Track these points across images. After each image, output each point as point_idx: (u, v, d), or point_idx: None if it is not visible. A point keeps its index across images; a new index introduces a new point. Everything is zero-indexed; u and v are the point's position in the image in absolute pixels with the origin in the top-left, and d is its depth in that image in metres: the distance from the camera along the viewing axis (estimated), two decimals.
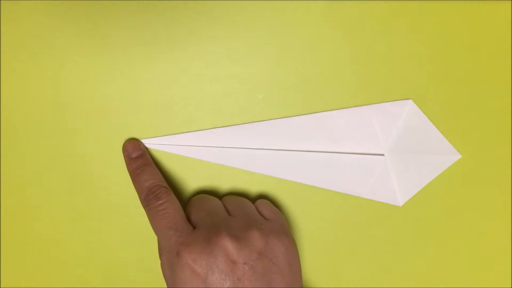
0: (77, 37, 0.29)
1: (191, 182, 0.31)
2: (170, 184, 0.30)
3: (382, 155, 0.31)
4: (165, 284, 0.26)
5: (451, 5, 0.30)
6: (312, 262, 0.32)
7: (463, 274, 0.32)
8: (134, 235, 0.31)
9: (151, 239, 0.31)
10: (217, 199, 0.28)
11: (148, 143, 0.30)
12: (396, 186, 0.31)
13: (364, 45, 0.30)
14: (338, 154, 0.31)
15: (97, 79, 0.30)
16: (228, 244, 0.24)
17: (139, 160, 0.29)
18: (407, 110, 0.30)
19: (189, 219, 0.27)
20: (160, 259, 0.28)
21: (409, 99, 0.30)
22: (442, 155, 0.31)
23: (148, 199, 0.27)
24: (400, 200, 0.31)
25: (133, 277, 0.31)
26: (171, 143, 0.30)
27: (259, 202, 0.29)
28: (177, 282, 0.24)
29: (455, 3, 0.30)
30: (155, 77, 0.30)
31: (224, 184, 0.31)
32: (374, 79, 0.30)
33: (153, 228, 0.27)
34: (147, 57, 0.29)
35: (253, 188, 0.31)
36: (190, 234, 0.25)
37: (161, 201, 0.27)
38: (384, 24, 0.30)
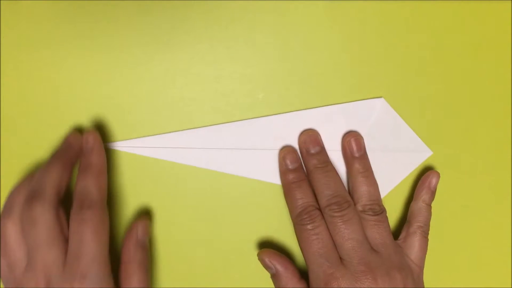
0: (77, 37, 0.29)
1: (191, 185, 0.31)
2: (168, 189, 0.31)
3: None
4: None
5: (451, 5, 0.30)
6: None
7: (463, 274, 0.32)
8: None
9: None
10: (360, 222, 0.28)
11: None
12: None
13: (364, 45, 0.30)
14: None
15: (97, 79, 0.30)
16: (373, 286, 0.26)
17: (296, 173, 0.29)
18: (378, 108, 0.30)
19: (334, 241, 0.27)
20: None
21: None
22: (414, 153, 0.31)
23: (301, 218, 0.28)
24: None
25: None
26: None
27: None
28: None
29: (455, 3, 0.30)
30: (155, 77, 0.30)
31: (217, 187, 0.31)
32: (374, 79, 0.30)
33: (302, 249, 0.28)
34: (147, 57, 0.29)
35: (246, 188, 0.31)
36: (339, 267, 0.27)
37: (315, 224, 0.28)
38: (384, 24, 0.30)
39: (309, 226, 0.27)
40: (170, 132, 0.30)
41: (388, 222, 0.29)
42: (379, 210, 0.28)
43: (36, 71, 0.29)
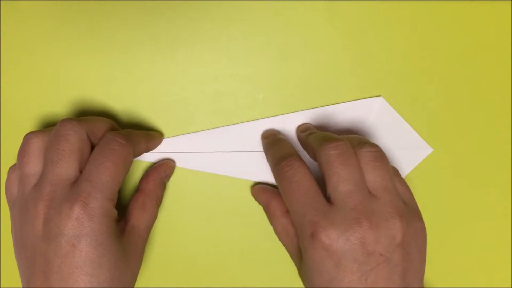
0: (77, 37, 0.29)
1: (191, 187, 0.31)
2: (168, 191, 0.31)
3: None
4: None
5: (451, 5, 0.30)
6: None
7: (463, 274, 0.32)
8: None
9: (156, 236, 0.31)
10: (358, 164, 0.24)
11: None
12: None
13: (364, 45, 0.30)
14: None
15: (97, 79, 0.30)
16: (368, 235, 0.22)
17: (272, 137, 0.29)
18: (377, 107, 0.30)
19: (327, 184, 0.24)
20: (274, 223, 0.28)
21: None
22: (414, 150, 0.31)
23: (278, 167, 0.25)
24: None
25: None
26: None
27: (394, 172, 0.27)
28: (306, 260, 0.24)
29: (455, 3, 0.30)
30: (155, 77, 0.30)
31: (222, 190, 0.31)
32: (374, 79, 0.30)
33: (285, 198, 0.25)
34: (147, 57, 0.29)
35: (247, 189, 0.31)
36: (327, 213, 0.23)
37: (294, 170, 0.25)
38: (384, 24, 0.30)
39: (288, 173, 0.25)
40: (169, 134, 0.30)
41: (389, 165, 0.25)
42: (376, 147, 0.25)
43: (36, 71, 0.29)
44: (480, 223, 0.32)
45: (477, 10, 0.30)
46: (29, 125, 0.30)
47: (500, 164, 0.32)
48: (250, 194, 0.31)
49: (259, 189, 0.30)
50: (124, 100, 0.30)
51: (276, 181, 0.26)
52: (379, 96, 0.30)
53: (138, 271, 0.27)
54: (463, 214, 0.32)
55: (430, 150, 0.31)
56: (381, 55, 0.30)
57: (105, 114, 0.30)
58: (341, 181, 0.23)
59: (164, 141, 0.30)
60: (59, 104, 0.30)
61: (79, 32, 0.29)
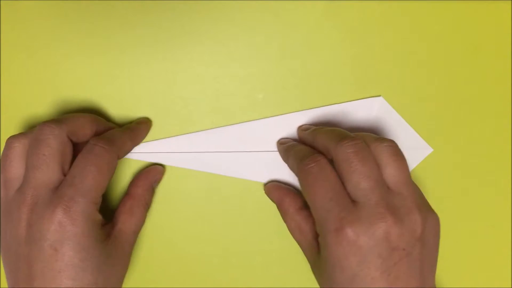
0: (77, 37, 0.29)
1: (190, 187, 0.31)
2: (168, 192, 0.31)
3: None
4: None
5: (451, 5, 0.30)
6: None
7: (462, 273, 0.32)
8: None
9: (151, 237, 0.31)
10: (375, 160, 0.25)
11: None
12: None
13: (364, 45, 0.30)
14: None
15: (97, 79, 0.30)
16: (393, 230, 0.23)
17: (289, 142, 0.29)
18: (377, 107, 0.30)
19: (347, 181, 0.24)
20: (287, 220, 0.28)
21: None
22: (414, 150, 0.31)
23: (304, 163, 0.25)
24: None
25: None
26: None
27: None
28: (327, 256, 0.24)
29: (455, 3, 0.30)
30: (155, 77, 0.30)
31: (220, 190, 0.31)
32: (374, 79, 0.30)
33: (307, 197, 0.25)
34: (147, 57, 0.29)
35: (252, 188, 0.31)
36: (352, 210, 0.23)
37: (320, 166, 0.25)
38: (384, 24, 0.30)
39: (314, 170, 0.25)
40: (169, 134, 0.30)
41: (406, 160, 0.25)
42: (395, 142, 0.25)
43: (35, 71, 0.29)
44: (480, 223, 0.32)
45: (477, 10, 0.30)
46: (29, 125, 0.30)
47: (500, 164, 0.32)
48: (251, 194, 0.31)
49: (272, 186, 0.30)
50: (124, 100, 0.30)
51: (299, 177, 0.26)
52: (379, 96, 0.30)
53: (124, 275, 0.27)
54: (463, 214, 0.32)
55: (430, 150, 0.31)
56: (381, 55, 0.30)
57: (105, 114, 0.30)
58: (362, 178, 0.24)
59: (165, 141, 0.30)
60: (58, 104, 0.30)
61: (79, 32, 0.29)
